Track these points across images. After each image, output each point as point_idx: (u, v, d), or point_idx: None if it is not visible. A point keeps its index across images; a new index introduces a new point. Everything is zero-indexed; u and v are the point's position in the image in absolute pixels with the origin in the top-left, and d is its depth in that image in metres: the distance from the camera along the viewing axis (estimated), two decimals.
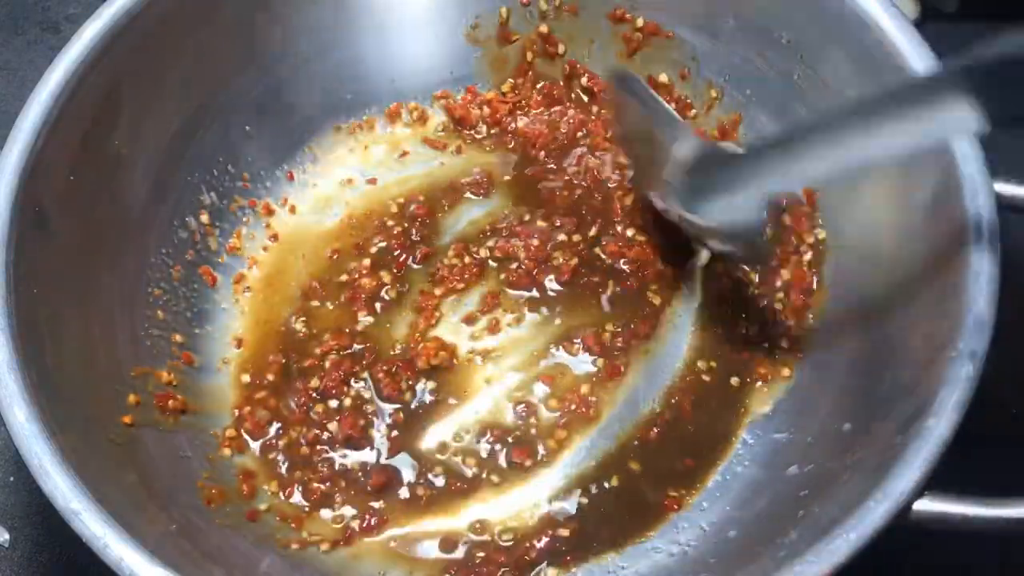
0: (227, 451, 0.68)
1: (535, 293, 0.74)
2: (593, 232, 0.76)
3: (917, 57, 0.63)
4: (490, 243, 0.76)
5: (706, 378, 0.72)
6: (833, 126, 0.55)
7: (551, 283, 0.75)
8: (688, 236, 0.72)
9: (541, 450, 0.69)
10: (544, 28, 0.81)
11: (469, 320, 0.74)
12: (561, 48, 0.82)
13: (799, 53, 0.71)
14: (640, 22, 0.79)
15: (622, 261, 0.75)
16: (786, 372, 0.71)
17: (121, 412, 0.63)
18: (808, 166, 0.57)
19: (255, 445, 0.69)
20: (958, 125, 0.46)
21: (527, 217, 0.77)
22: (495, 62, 0.83)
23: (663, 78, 0.80)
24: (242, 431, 0.69)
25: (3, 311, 0.57)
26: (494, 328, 0.73)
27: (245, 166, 0.78)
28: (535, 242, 0.75)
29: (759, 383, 0.71)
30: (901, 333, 0.62)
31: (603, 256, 0.75)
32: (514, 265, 0.75)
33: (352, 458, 0.68)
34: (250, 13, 0.75)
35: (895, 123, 0.49)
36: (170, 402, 0.67)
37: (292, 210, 0.79)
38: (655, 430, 0.69)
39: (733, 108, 0.78)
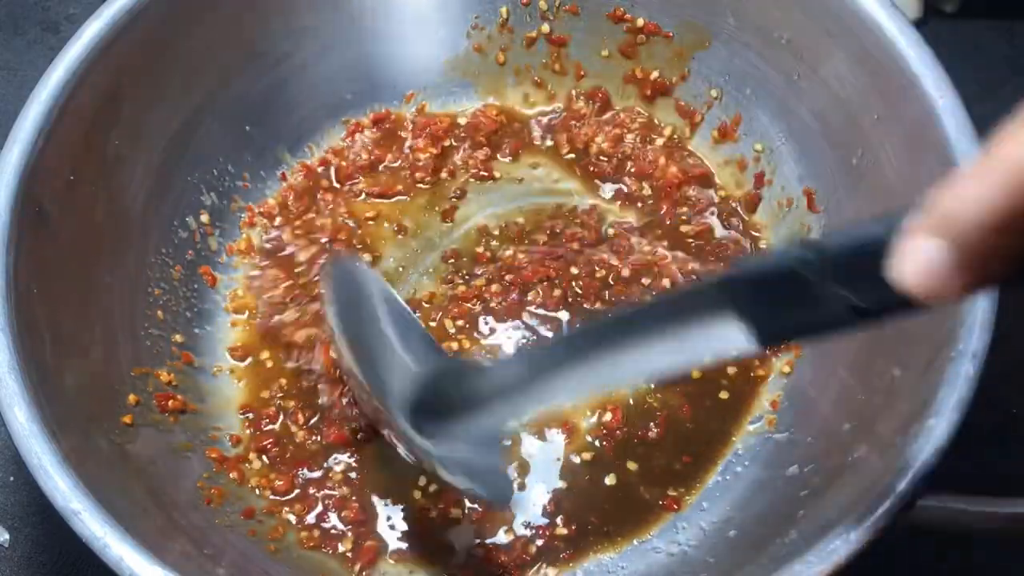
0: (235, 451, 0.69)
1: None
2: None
3: (917, 57, 0.63)
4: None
5: (702, 375, 0.71)
6: (592, 342, 0.49)
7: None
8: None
9: (541, 450, 0.69)
10: (545, 27, 0.82)
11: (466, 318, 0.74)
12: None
13: (799, 53, 0.71)
14: (640, 22, 0.79)
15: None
16: (786, 370, 0.71)
17: (121, 412, 0.63)
18: (560, 387, 0.51)
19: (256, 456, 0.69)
20: (727, 343, 0.42)
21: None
22: (495, 62, 0.83)
23: (662, 78, 0.80)
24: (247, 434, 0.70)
25: (3, 311, 0.57)
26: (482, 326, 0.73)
27: (245, 166, 0.78)
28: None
29: (759, 383, 0.71)
30: (901, 333, 0.62)
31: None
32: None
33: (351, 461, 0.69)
34: (250, 13, 0.75)
35: (659, 340, 0.45)
36: (170, 402, 0.67)
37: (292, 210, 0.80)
38: (654, 429, 0.69)
39: (733, 108, 0.78)
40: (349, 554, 0.65)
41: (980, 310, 0.55)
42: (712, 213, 0.78)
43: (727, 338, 0.43)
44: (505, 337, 0.73)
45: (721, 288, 0.43)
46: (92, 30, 0.66)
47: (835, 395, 0.66)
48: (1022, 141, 0.31)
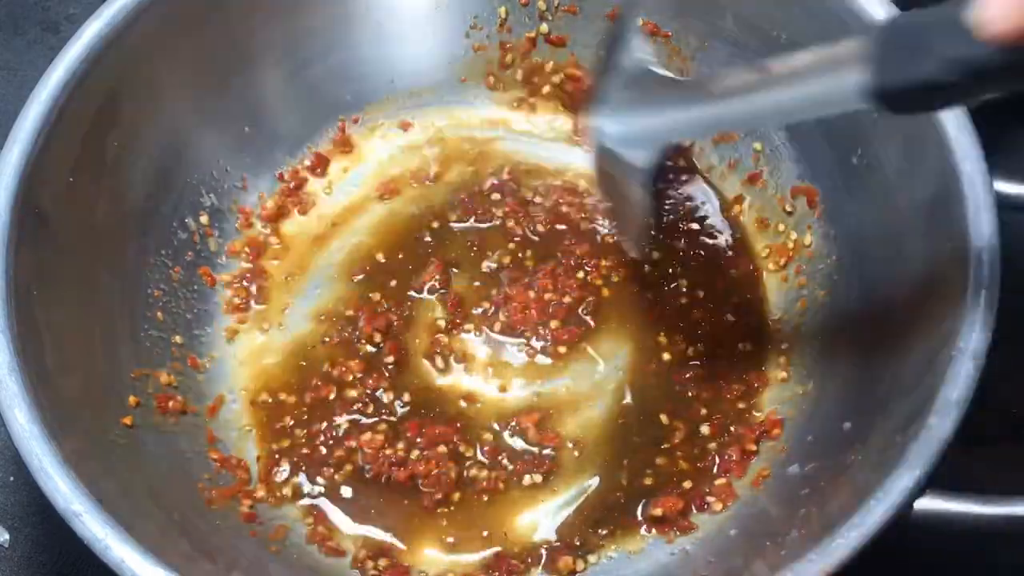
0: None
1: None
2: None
3: None
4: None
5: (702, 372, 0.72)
6: (744, 81, 0.54)
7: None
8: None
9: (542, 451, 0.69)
10: (544, 28, 0.81)
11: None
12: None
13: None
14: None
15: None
16: (783, 375, 0.71)
17: (121, 413, 0.63)
18: (722, 111, 0.56)
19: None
20: (852, 90, 0.45)
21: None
22: (495, 62, 0.83)
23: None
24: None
25: (3, 312, 0.57)
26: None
27: (244, 167, 0.78)
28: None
29: (759, 382, 0.71)
30: (901, 333, 0.62)
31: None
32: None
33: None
34: (250, 14, 0.75)
35: (803, 83, 0.49)
36: (170, 403, 0.67)
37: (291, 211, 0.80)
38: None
39: None
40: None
41: (980, 310, 0.55)
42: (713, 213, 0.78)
43: (846, 89, 0.45)
44: None
45: (849, 45, 0.45)
46: (92, 30, 0.66)
47: (835, 395, 0.66)
48: None
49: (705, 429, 0.69)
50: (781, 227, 0.75)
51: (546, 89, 0.83)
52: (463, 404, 0.71)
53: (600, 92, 0.65)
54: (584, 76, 0.82)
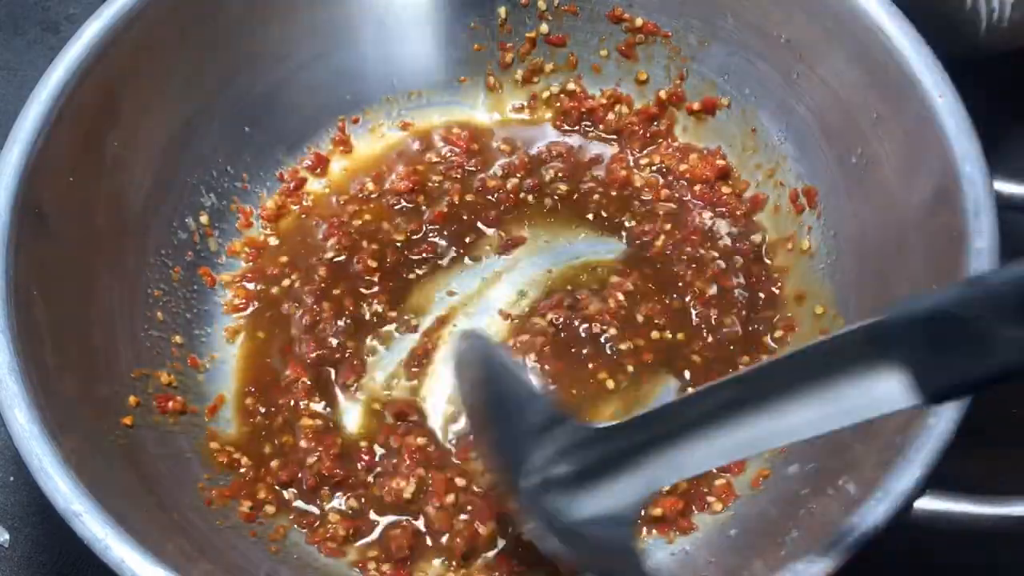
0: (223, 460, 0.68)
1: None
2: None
3: (917, 56, 0.63)
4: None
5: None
6: (727, 401, 0.44)
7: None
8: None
9: None
10: (544, 28, 0.81)
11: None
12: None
13: (798, 52, 0.71)
14: (639, 21, 0.79)
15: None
16: None
17: (121, 413, 0.63)
18: (691, 455, 0.46)
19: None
20: (886, 400, 0.38)
21: None
22: (495, 62, 0.83)
23: (661, 78, 0.80)
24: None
25: (3, 312, 0.57)
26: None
27: (244, 167, 0.78)
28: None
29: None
30: None
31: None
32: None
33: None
34: (250, 13, 0.75)
35: (803, 398, 0.41)
36: (170, 403, 0.67)
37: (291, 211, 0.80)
38: None
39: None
40: (349, 562, 0.65)
41: None
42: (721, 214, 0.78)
43: (883, 393, 0.38)
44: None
45: (872, 333, 0.38)
46: (92, 30, 0.66)
47: None
48: None
49: None
50: (780, 226, 0.76)
51: (546, 94, 0.83)
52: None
53: (531, 474, 0.53)
54: (582, 94, 0.82)
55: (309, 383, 0.70)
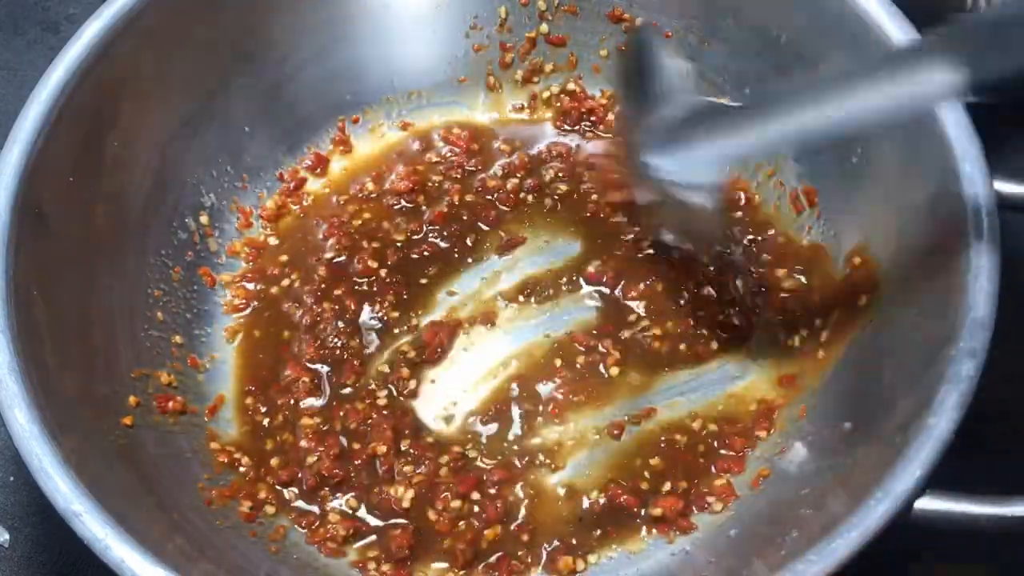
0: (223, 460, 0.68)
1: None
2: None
3: None
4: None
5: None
6: (812, 91, 0.53)
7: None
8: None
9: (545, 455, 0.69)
10: (544, 28, 0.82)
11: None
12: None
13: (798, 52, 0.71)
14: (639, 22, 0.79)
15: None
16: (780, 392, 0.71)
17: (121, 413, 0.63)
18: (788, 126, 0.55)
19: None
20: (940, 88, 0.43)
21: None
22: (495, 62, 0.83)
23: None
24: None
25: (3, 312, 0.57)
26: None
27: (244, 167, 0.78)
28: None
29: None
30: (901, 332, 0.62)
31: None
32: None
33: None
34: (250, 14, 0.75)
35: (875, 87, 0.48)
36: (170, 403, 0.67)
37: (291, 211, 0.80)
38: (655, 430, 0.69)
39: None
40: (349, 562, 0.65)
41: (980, 310, 0.55)
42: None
43: (943, 83, 0.42)
44: None
45: (940, 35, 0.42)
46: (92, 30, 0.66)
47: (835, 395, 0.66)
48: None
49: (700, 426, 0.69)
50: (780, 225, 0.76)
51: (546, 94, 0.83)
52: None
53: (641, 128, 0.64)
54: (582, 95, 0.82)
55: (309, 383, 0.70)
